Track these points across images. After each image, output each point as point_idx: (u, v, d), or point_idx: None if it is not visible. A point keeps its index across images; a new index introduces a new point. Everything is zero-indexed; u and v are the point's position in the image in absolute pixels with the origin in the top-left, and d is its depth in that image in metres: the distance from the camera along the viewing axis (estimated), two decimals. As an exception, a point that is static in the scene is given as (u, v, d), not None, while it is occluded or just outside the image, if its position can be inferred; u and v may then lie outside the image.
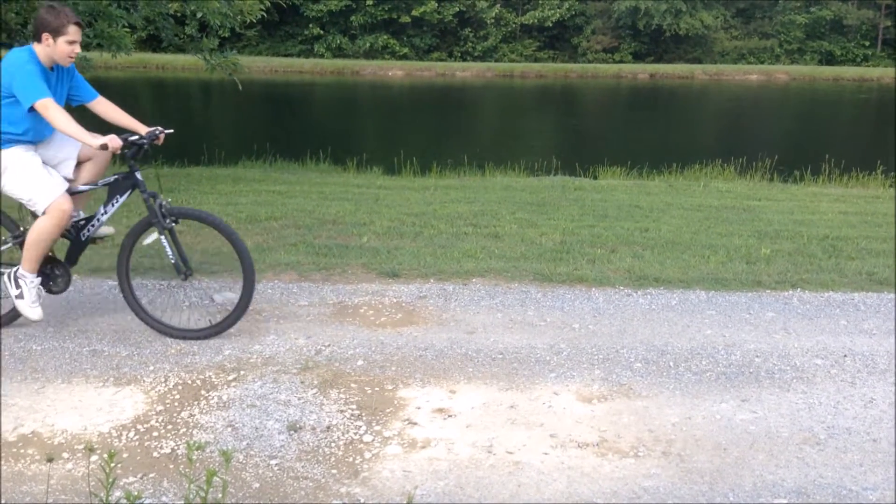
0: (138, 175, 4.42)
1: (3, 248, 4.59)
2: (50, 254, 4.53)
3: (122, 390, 3.86)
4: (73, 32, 4.24)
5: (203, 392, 3.85)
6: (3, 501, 2.98)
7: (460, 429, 3.54)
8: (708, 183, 10.17)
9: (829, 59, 58.15)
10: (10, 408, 3.67)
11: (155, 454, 3.30)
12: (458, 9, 56.34)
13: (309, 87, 40.37)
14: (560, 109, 32.54)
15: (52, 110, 4.15)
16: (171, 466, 3.21)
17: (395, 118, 27.19)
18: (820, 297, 5.35)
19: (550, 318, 4.88)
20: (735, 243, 6.67)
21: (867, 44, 58.34)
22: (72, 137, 4.22)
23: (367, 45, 55.89)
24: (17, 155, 4.32)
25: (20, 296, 4.38)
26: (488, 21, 57.16)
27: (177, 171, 10.77)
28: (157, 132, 4.45)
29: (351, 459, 3.29)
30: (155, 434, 3.46)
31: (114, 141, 4.20)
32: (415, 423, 3.58)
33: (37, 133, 4.40)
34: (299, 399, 3.79)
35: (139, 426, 3.52)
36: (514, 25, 58.00)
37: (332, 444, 3.40)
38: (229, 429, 3.51)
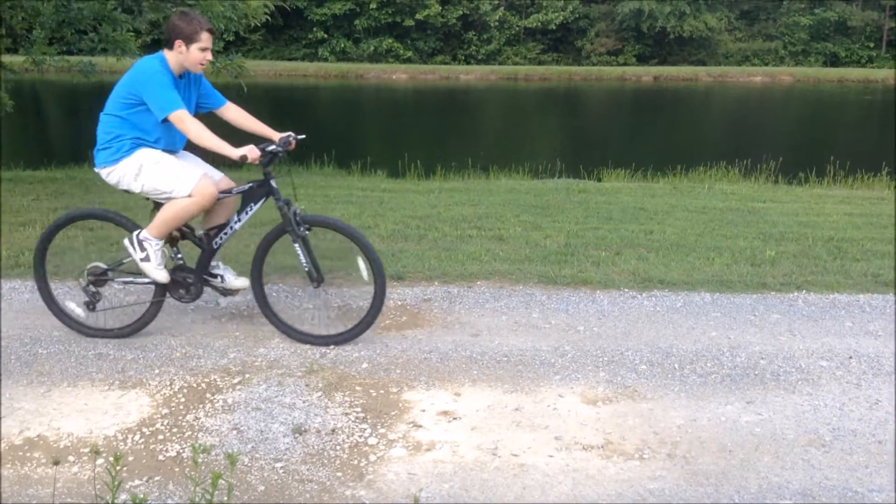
0: (273, 183, 4.36)
1: (130, 258, 4.51)
2: (182, 262, 4.53)
3: (127, 394, 3.87)
4: (206, 39, 4.20)
5: (208, 395, 3.85)
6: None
7: (465, 431, 3.54)
8: (712, 185, 10.15)
9: (833, 61, 58.08)
10: (16, 411, 3.68)
11: (160, 457, 3.31)
12: (461, 12, 56.41)
13: (313, 90, 40.43)
14: (564, 112, 32.54)
15: (188, 122, 4.10)
16: (177, 469, 3.22)
17: (400, 121, 27.22)
18: (825, 298, 5.34)
19: (555, 320, 4.88)
20: (740, 245, 6.66)
21: (872, 45, 58.26)
22: (210, 148, 4.12)
23: (371, 48, 55.96)
24: (150, 153, 4.27)
25: (146, 258, 4.33)
26: (492, 24, 57.21)
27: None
28: (291, 138, 4.40)
29: (356, 462, 3.30)
30: (160, 437, 3.46)
31: (252, 152, 4.14)
32: (420, 426, 3.59)
33: (168, 142, 4.35)
34: (304, 402, 3.79)
35: (144, 429, 3.53)
36: (517, 28, 58.06)
37: (337, 447, 3.41)
38: (234, 432, 3.51)
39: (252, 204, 4.44)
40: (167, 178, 4.24)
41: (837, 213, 8.20)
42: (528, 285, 5.53)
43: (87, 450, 3.34)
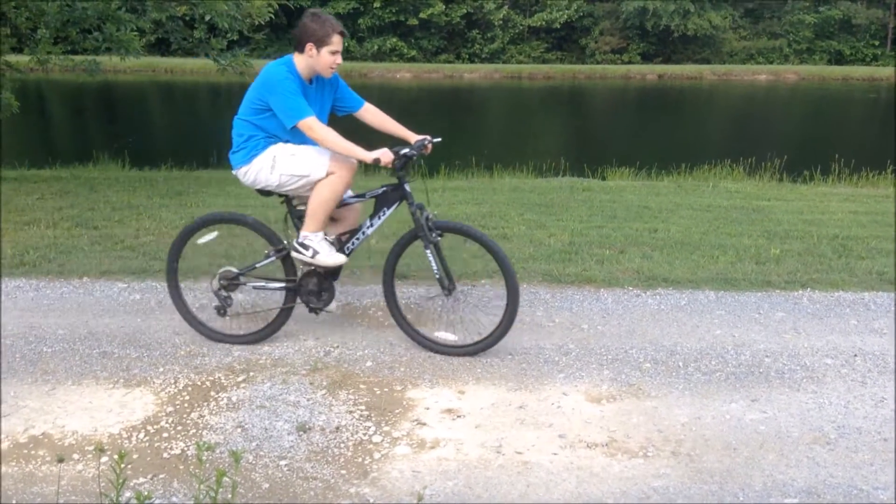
0: (407, 187, 4.27)
1: (265, 262, 4.47)
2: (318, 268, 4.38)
3: (132, 392, 3.88)
4: (337, 42, 4.12)
5: (213, 393, 3.86)
6: (13, 503, 2.99)
7: (469, 429, 3.54)
8: (717, 183, 10.13)
9: (838, 59, 57.92)
10: (21, 409, 3.69)
11: (165, 455, 3.32)
12: (465, 11, 56.36)
13: (317, 89, 40.39)
14: (568, 110, 32.50)
15: (317, 130, 4.04)
16: (182, 467, 3.22)
17: (403, 120, 27.14)
18: (830, 296, 5.32)
19: (559, 318, 4.88)
20: (744, 243, 6.65)
21: (876, 43, 58.08)
22: (342, 154, 4.09)
23: (375, 47, 55.94)
24: (281, 146, 4.23)
25: (315, 253, 4.26)
26: (496, 23, 57.15)
27: (186, 173, 10.81)
28: (426, 141, 4.32)
29: (360, 460, 3.30)
30: (165, 435, 3.47)
31: (385, 155, 4.06)
32: (424, 424, 3.59)
33: (299, 144, 4.30)
34: (308, 400, 3.79)
35: (149, 427, 3.53)
36: (521, 27, 57.99)
37: (342, 445, 3.41)
38: (239, 430, 3.52)
39: (385, 208, 4.34)
40: (302, 162, 4.17)
41: (842, 211, 8.18)
42: (532, 284, 5.53)
43: (91, 448, 3.35)
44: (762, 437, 3.49)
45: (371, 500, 3.01)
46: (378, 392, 3.89)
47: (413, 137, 4.37)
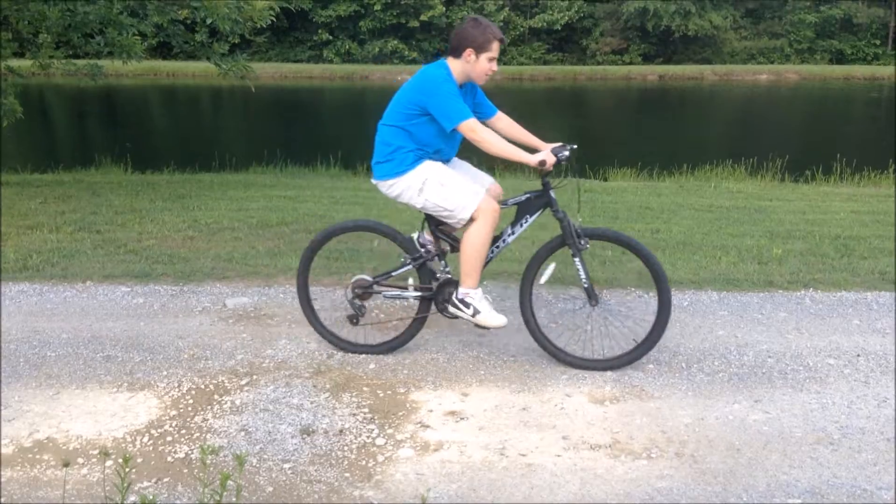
0: (552, 193, 4.16)
1: (401, 270, 4.38)
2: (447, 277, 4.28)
3: (135, 395, 3.88)
4: (496, 49, 4.03)
5: (216, 397, 3.87)
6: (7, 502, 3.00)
7: (473, 431, 3.55)
8: (719, 183, 10.13)
9: (839, 58, 57.87)
10: (25, 413, 3.70)
11: (169, 459, 3.32)
12: (466, 12, 56.35)
13: (318, 92, 40.48)
14: (569, 111, 32.49)
15: (479, 132, 3.93)
16: (186, 471, 3.23)
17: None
18: (832, 296, 5.32)
19: (562, 319, 4.88)
20: (746, 244, 6.65)
21: (878, 42, 58.02)
22: (505, 157, 3.96)
23: (376, 49, 55.96)
24: (434, 167, 4.12)
25: (476, 312, 4.13)
26: (497, 24, 57.16)
27: (188, 177, 10.83)
28: (567, 148, 4.15)
29: (364, 463, 3.30)
30: (169, 439, 3.48)
31: (550, 158, 3.97)
32: (427, 426, 3.59)
33: (446, 154, 4.23)
34: (312, 403, 3.80)
35: (153, 431, 3.54)
36: (522, 28, 57.99)
37: (345, 448, 3.41)
38: (242, 433, 3.52)
39: (528, 215, 4.22)
40: (451, 196, 4.05)
41: (844, 210, 8.18)
42: (535, 285, 5.52)
43: (96, 452, 3.36)
44: (765, 437, 3.49)
45: (375, 503, 3.02)
46: (381, 395, 3.90)
47: (545, 146, 4.24)
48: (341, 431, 3.54)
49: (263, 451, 3.38)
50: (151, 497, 3.00)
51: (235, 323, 4.84)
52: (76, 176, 10.66)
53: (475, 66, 4.05)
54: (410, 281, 4.45)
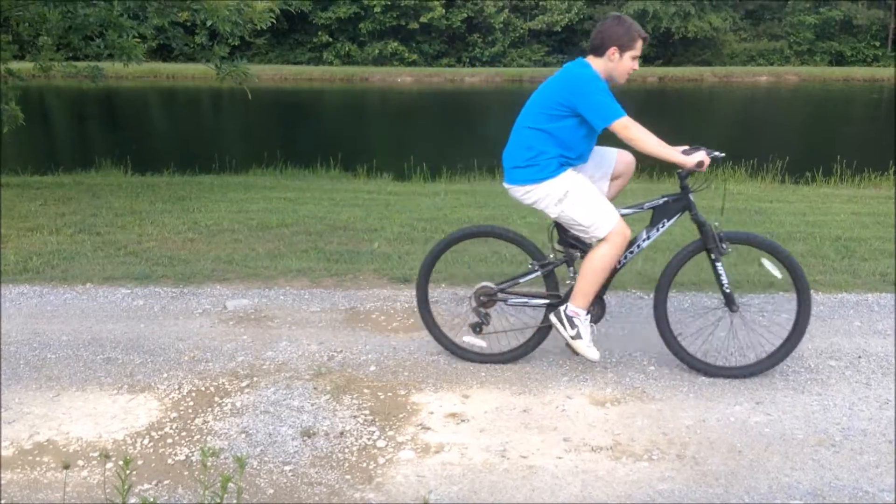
0: (691, 197, 4.09)
1: (529, 276, 4.27)
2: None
3: (136, 398, 3.88)
4: (639, 47, 3.94)
5: (216, 399, 3.86)
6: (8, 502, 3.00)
7: (473, 433, 3.54)
8: (719, 185, 10.12)
9: (839, 60, 57.85)
10: (25, 416, 3.69)
11: (169, 461, 3.32)
12: (466, 14, 56.34)
13: (318, 94, 40.49)
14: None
15: (633, 129, 3.82)
16: (186, 473, 3.22)
17: (405, 124, 27.23)
18: (833, 298, 5.32)
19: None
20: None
21: (877, 44, 58.01)
22: (659, 157, 3.86)
23: (376, 51, 55.95)
24: (576, 178, 4.00)
25: (577, 336, 4.02)
26: (496, 26, 57.13)
27: (188, 179, 10.83)
28: (719, 153, 4.06)
29: (364, 465, 3.30)
30: (169, 441, 3.47)
31: (707, 159, 3.88)
32: (428, 428, 3.58)
33: (584, 157, 4.12)
34: (312, 405, 3.79)
35: (153, 433, 3.53)
36: (522, 30, 57.97)
37: (346, 450, 3.41)
38: (243, 435, 3.52)
39: (665, 220, 4.13)
40: (590, 213, 3.93)
41: (845, 212, 8.17)
42: (535, 287, 5.51)
43: (96, 454, 3.35)
44: (767, 439, 3.48)
45: (376, 505, 3.01)
46: (382, 396, 3.89)
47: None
48: (342, 433, 3.54)
49: (264, 453, 3.37)
50: (152, 499, 3.00)
51: (236, 325, 4.83)
52: (76, 178, 10.66)
53: (619, 64, 3.95)
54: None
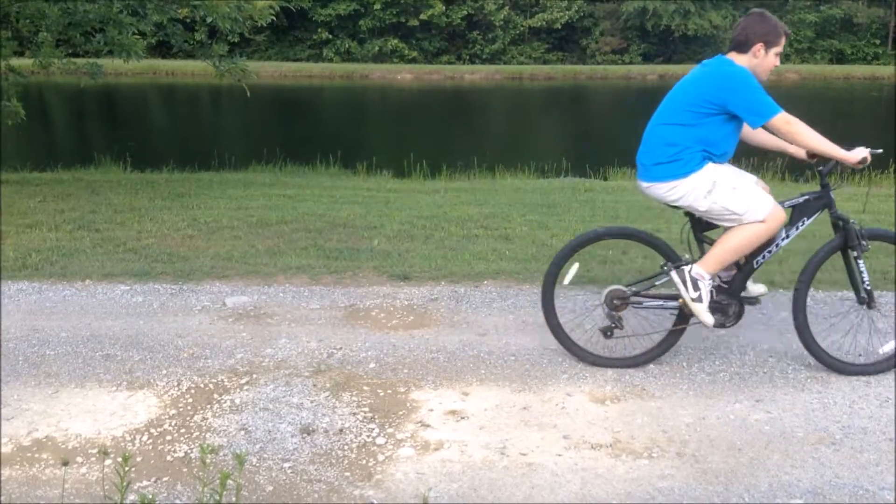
0: (832, 194, 4.04)
1: (665, 279, 4.17)
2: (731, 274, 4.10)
3: (135, 394, 3.87)
4: (782, 43, 3.90)
5: (216, 396, 3.85)
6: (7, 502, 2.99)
7: (473, 430, 3.53)
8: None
9: (839, 58, 57.85)
10: (24, 412, 3.68)
11: (168, 458, 3.31)
12: (466, 12, 56.29)
13: (318, 91, 40.46)
14: (569, 111, 32.49)
15: (795, 124, 3.78)
16: (185, 470, 3.22)
17: (405, 121, 27.22)
18: (834, 296, 5.31)
19: (563, 318, 4.85)
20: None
21: (878, 42, 58.01)
22: (821, 152, 3.85)
23: (376, 48, 55.92)
24: (722, 169, 3.96)
25: (698, 299, 3.96)
26: (496, 24, 57.09)
27: (187, 175, 10.82)
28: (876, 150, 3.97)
29: (364, 462, 3.29)
30: (168, 438, 3.46)
31: (867, 153, 3.83)
32: (428, 426, 3.58)
33: (728, 155, 4.07)
34: (312, 402, 3.79)
35: (152, 430, 3.53)
36: (522, 28, 57.92)
37: (345, 447, 3.40)
38: (242, 432, 3.51)
39: (805, 218, 4.07)
40: (742, 199, 3.89)
41: (845, 210, 8.13)
42: (536, 284, 5.51)
43: (95, 451, 3.34)
44: (767, 437, 3.48)
45: (375, 503, 3.01)
46: (381, 394, 3.88)
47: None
48: (341, 430, 3.53)
49: (263, 450, 3.37)
50: (151, 496, 2.99)
51: (235, 322, 4.83)
52: (75, 174, 10.65)
53: (763, 61, 3.91)
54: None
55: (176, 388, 3.93)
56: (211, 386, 3.95)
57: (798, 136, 3.82)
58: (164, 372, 4.11)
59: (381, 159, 12.53)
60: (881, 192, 9.61)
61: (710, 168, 3.94)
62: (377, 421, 3.62)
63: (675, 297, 4.12)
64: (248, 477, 3.16)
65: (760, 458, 3.31)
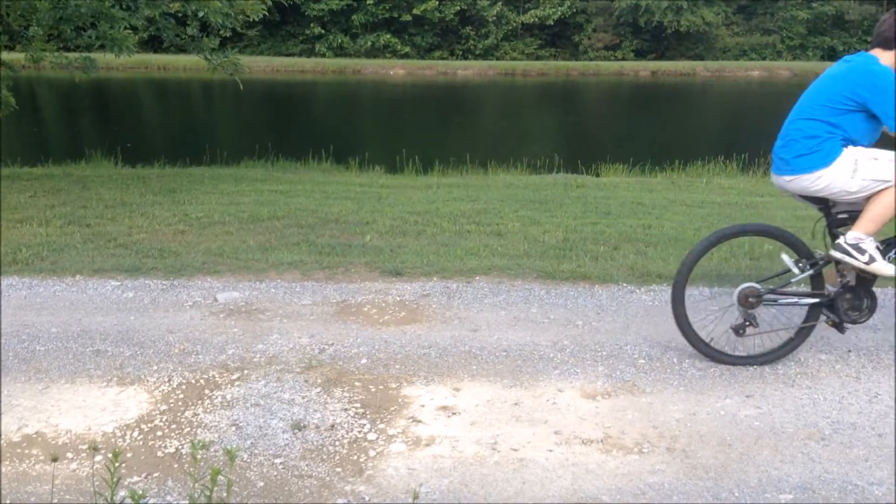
0: None
1: (801, 276, 4.15)
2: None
3: (125, 390, 3.86)
4: None
5: (207, 391, 3.85)
6: (7, 502, 2.98)
7: (465, 426, 3.54)
8: (710, 179, 10.15)
9: (831, 55, 57.90)
10: (14, 408, 3.67)
11: (159, 453, 3.30)
12: (459, 7, 56.26)
13: (310, 86, 40.37)
14: (562, 107, 32.50)
15: None
16: (176, 466, 3.21)
17: (397, 117, 27.19)
18: (824, 292, 5.32)
19: (554, 315, 4.88)
20: (738, 239, 6.64)
21: (869, 39, 58.09)
22: None
23: (369, 44, 55.84)
24: (854, 150, 3.91)
25: (871, 259, 3.90)
26: (489, 19, 57.07)
27: (178, 171, 10.79)
28: None
29: (355, 457, 3.29)
30: (159, 433, 3.46)
31: None
32: (419, 421, 3.58)
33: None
34: (303, 398, 3.78)
35: (143, 426, 3.52)
36: (515, 24, 57.91)
37: (337, 443, 3.40)
38: (233, 428, 3.51)
39: None
40: (888, 166, 3.84)
41: None
42: (527, 280, 5.53)
43: (85, 446, 3.34)
44: (757, 432, 3.49)
45: (366, 498, 3.01)
46: (373, 389, 3.89)
47: None
48: (333, 426, 3.53)
49: (254, 445, 3.36)
50: (141, 492, 2.98)
51: (226, 317, 4.82)
52: (66, 169, 10.61)
53: None
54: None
55: (167, 384, 3.92)
56: (202, 382, 3.95)
57: None
58: (155, 368, 4.10)
59: (373, 155, 12.54)
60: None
61: (850, 150, 3.92)
62: (368, 417, 3.62)
63: (811, 295, 4.14)
64: (239, 473, 3.16)
65: (750, 454, 3.32)
